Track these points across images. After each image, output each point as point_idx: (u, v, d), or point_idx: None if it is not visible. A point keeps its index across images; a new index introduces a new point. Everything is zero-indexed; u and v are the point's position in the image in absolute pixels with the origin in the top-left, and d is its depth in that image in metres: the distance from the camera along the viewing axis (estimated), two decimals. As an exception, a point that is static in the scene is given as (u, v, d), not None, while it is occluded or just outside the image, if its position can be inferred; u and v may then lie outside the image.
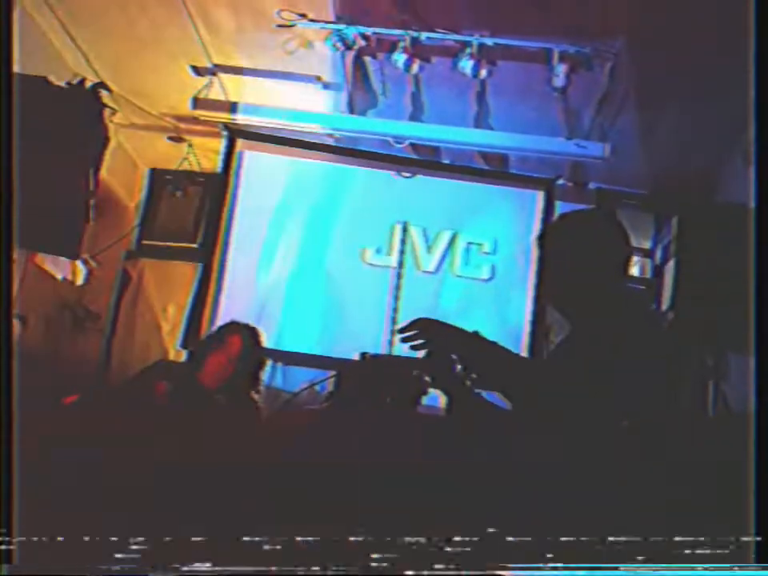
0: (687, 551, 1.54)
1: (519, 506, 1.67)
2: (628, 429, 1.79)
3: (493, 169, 5.42)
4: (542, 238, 2.13)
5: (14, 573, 1.52)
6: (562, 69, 4.25)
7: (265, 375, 3.58)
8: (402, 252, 5.30)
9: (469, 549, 1.55)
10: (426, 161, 5.41)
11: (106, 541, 1.54)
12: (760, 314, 1.72)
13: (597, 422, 1.76)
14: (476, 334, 1.97)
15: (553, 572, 1.55)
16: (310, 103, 4.96)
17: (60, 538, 1.55)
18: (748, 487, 1.58)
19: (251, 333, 3.42)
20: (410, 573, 1.55)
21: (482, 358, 1.94)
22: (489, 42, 4.24)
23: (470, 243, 5.34)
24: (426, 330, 1.94)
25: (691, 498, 1.69)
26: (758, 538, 1.56)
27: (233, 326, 3.48)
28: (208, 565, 1.52)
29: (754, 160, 1.79)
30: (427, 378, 2.06)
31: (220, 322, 4.97)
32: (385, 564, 1.54)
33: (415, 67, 4.36)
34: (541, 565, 1.55)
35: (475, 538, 1.56)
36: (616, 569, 1.54)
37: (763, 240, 1.75)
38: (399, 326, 2.06)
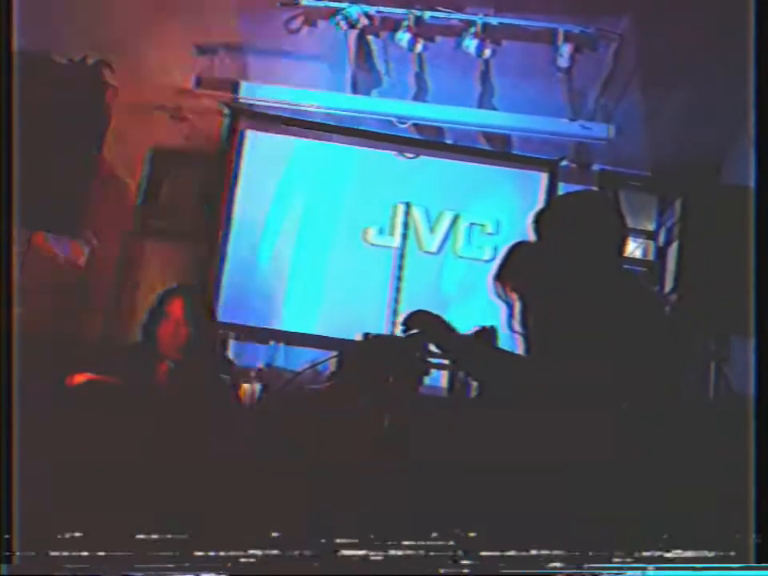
0: (684, 549, 1.54)
1: (515, 492, 1.67)
2: (628, 411, 1.79)
3: (496, 149, 5.40)
4: (536, 222, 2.12)
5: (14, 573, 1.52)
6: (566, 49, 4.23)
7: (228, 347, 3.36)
8: (404, 232, 5.29)
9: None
10: (429, 141, 5.39)
11: (107, 540, 1.54)
12: (759, 297, 1.71)
13: (595, 403, 1.76)
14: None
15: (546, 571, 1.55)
16: (313, 82, 4.94)
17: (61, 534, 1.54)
18: (748, 480, 1.57)
19: (191, 293, 3.24)
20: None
21: (478, 358, 1.98)
22: (493, 21, 4.21)
23: (472, 224, 5.33)
24: (423, 324, 2.00)
25: (691, 490, 1.69)
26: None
27: (170, 290, 3.23)
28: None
29: (753, 141, 1.78)
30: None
31: (222, 302, 5.00)
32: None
33: (419, 46, 4.34)
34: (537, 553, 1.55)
35: (471, 533, 1.56)
36: (612, 569, 1.53)
37: (763, 221, 1.74)
38: (400, 317, 2.12)
